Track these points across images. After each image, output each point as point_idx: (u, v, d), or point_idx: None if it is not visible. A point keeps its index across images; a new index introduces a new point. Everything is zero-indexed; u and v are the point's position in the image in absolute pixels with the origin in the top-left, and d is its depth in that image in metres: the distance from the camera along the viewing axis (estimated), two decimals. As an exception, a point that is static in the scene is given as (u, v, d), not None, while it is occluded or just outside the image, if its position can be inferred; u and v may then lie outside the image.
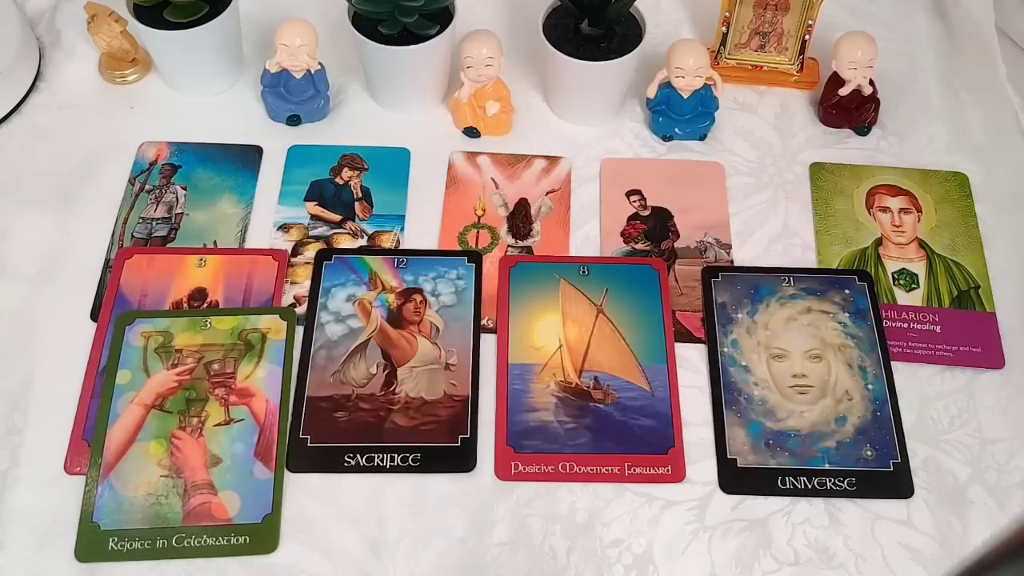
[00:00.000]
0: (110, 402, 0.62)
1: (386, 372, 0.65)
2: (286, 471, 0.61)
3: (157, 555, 0.58)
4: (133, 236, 0.72)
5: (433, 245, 0.72)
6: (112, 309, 0.67)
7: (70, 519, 0.59)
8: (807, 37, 0.79)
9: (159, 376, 0.63)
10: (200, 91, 0.80)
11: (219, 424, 0.62)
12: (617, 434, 0.63)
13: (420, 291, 0.69)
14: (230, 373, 0.64)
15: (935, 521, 0.61)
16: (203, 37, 0.75)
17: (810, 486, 0.61)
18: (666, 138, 0.78)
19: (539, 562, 0.59)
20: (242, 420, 0.62)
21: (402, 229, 0.73)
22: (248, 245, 0.72)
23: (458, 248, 0.72)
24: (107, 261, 0.70)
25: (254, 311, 0.67)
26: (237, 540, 0.58)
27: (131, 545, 0.58)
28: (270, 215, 0.73)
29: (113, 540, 0.58)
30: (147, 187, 0.74)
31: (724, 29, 0.80)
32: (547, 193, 0.75)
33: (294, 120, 0.78)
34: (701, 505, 0.61)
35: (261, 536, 0.58)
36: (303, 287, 0.69)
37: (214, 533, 0.58)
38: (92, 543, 0.58)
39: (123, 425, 0.62)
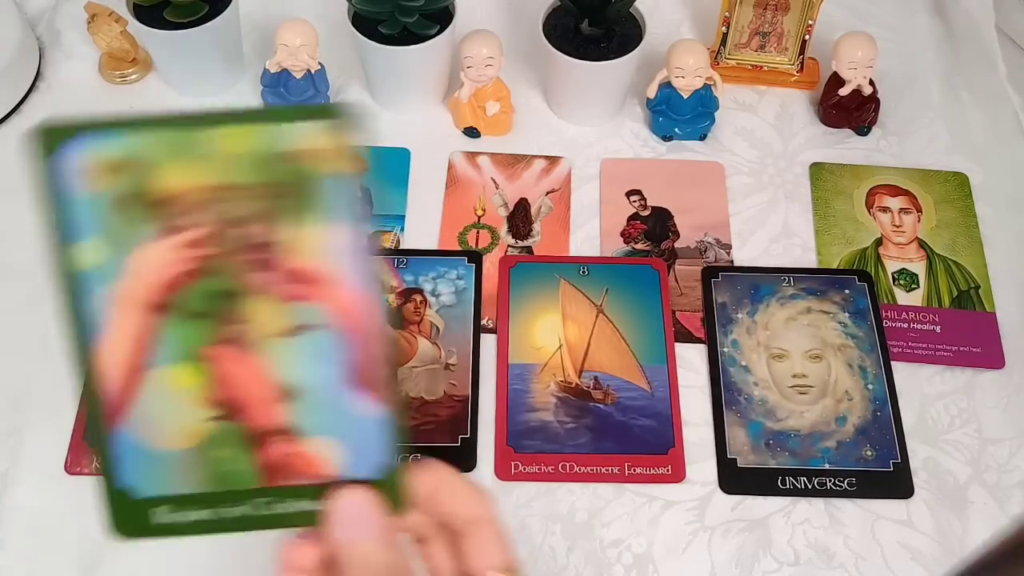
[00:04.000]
0: (78, 301, 0.36)
1: (386, 372, 0.65)
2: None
3: (228, 527, 0.38)
4: (133, 236, 0.71)
5: (433, 245, 0.72)
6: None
7: (70, 519, 0.59)
8: (807, 37, 0.79)
9: (153, 249, 0.36)
10: (200, 91, 0.80)
11: (278, 334, 0.37)
12: (617, 434, 0.63)
13: (420, 291, 0.69)
14: (278, 240, 0.36)
15: (935, 521, 0.61)
16: (203, 37, 0.75)
17: (810, 486, 0.61)
18: (666, 138, 0.78)
19: (539, 562, 0.59)
20: (318, 325, 0.37)
21: (402, 229, 0.73)
22: (248, 245, 0.72)
23: (458, 248, 0.72)
24: (107, 261, 0.70)
25: (283, 113, 0.37)
26: None
27: (190, 516, 0.38)
28: (270, 215, 0.73)
29: (160, 510, 0.38)
30: (147, 187, 0.74)
31: (724, 29, 0.80)
32: (547, 193, 0.75)
33: (294, 120, 0.78)
34: (701, 505, 0.61)
35: (383, 495, 0.37)
36: (303, 287, 0.69)
37: (311, 495, 0.38)
38: (128, 517, 0.38)
39: (118, 340, 0.36)
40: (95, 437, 0.38)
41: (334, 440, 0.38)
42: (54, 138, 0.36)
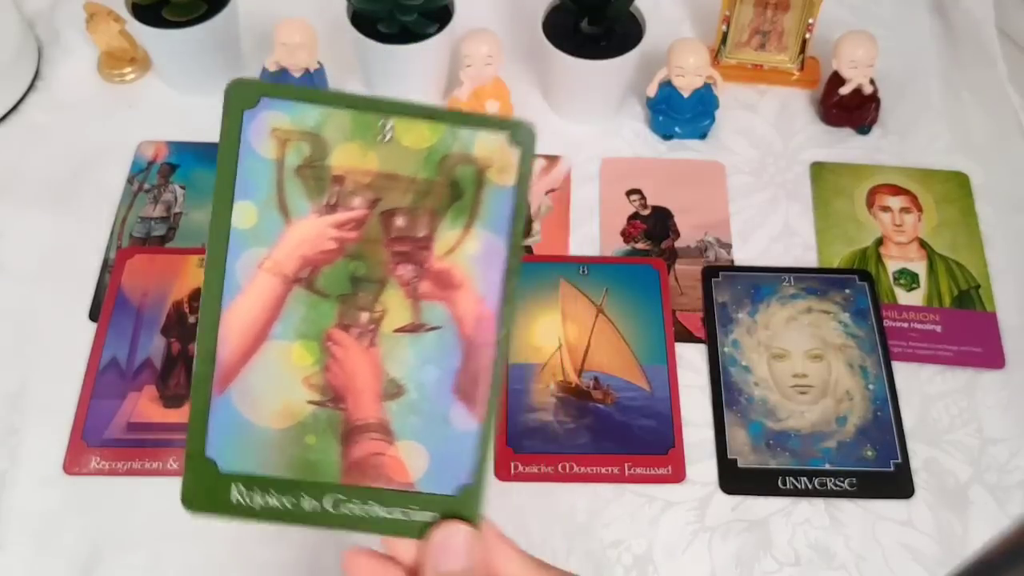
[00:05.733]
0: (222, 256, 0.36)
1: (386, 372, 0.65)
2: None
3: (302, 519, 0.37)
4: (131, 236, 0.72)
5: (433, 245, 0.72)
6: (113, 309, 0.67)
7: (70, 519, 0.59)
8: (808, 36, 0.79)
9: (306, 223, 0.36)
10: (199, 90, 0.80)
11: (403, 329, 0.38)
12: (617, 434, 0.63)
13: (420, 291, 0.68)
14: (423, 237, 0.37)
15: (936, 521, 0.61)
16: (202, 36, 0.75)
17: (810, 486, 0.61)
18: (666, 137, 0.78)
19: (539, 562, 0.59)
20: (438, 328, 0.37)
21: (402, 228, 0.73)
22: (247, 245, 0.72)
23: (458, 248, 0.72)
24: (106, 261, 0.70)
25: (467, 118, 0.38)
26: (419, 516, 0.38)
27: (265, 500, 0.37)
28: (269, 214, 0.73)
29: (238, 488, 0.37)
30: (145, 186, 0.74)
31: (724, 28, 0.80)
32: (547, 192, 0.75)
33: (293, 119, 0.77)
34: (701, 505, 0.61)
35: (454, 515, 0.38)
36: (303, 286, 0.68)
37: (386, 501, 0.37)
38: (207, 488, 0.37)
39: (248, 304, 0.37)
40: (196, 400, 0.37)
41: (423, 447, 0.38)
42: (247, 95, 0.37)
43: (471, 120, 0.37)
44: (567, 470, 0.62)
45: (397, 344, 0.37)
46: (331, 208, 0.36)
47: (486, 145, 0.37)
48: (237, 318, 0.36)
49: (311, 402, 0.37)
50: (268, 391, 0.37)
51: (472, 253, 0.37)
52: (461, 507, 0.38)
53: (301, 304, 0.37)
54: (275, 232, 0.36)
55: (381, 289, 0.37)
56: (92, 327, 0.67)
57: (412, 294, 0.37)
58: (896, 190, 0.76)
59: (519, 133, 0.38)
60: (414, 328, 0.38)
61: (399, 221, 0.37)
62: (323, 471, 0.37)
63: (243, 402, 0.37)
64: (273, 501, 0.37)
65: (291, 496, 0.37)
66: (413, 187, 0.37)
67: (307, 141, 0.36)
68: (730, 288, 0.70)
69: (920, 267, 0.72)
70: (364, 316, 0.37)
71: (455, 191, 0.37)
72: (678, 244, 0.72)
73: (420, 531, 0.37)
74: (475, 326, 0.37)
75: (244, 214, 0.36)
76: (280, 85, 0.38)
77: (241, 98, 0.37)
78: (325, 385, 0.37)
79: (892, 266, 0.72)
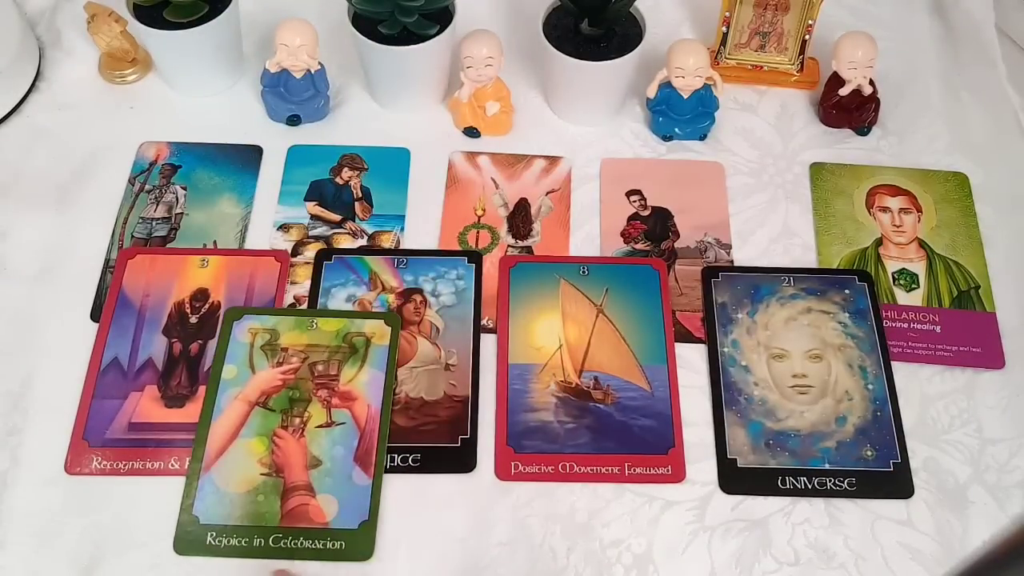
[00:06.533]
0: (215, 396, 0.62)
1: (386, 372, 0.66)
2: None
3: (254, 553, 0.58)
4: (133, 236, 0.72)
5: (433, 245, 0.72)
6: (114, 309, 0.67)
7: (70, 519, 0.59)
8: (807, 37, 0.79)
9: (264, 373, 0.64)
10: (200, 91, 0.80)
11: (321, 426, 0.62)
12: (617, 434, 0.63)
13: (420, 291, 0.69)
14: (334, 375, 0.63)
15: (935, 521, 0.61)
16: (203, 37, 0.75)
17: (810, 486, 0.61)
18: (666, 138, 0.78)
19: (539, 562, 0.59)
20: (343, 424, 0.62)
21: (402, 229, 0.73)
22: (248, 245, 0.72)
23: (458, 248, 0.72)
24: (107, 261, 0.70)
25: (360, 315, 0.67)
26: (333, 545, 0.58)
27: (229, 541, 0.58)
28: (270, 215, 0.73)
29: (212, 535, 0.58)
30: (147, 187, 0.74)
31: (724, 29, 0.80)
32: (547, 193, 0.75)
33: (294, 120, 0.78)
34: (701, 505, 0.61)
35: (357, 542, 0.58)
36: (303, 287, 0.69)
37: (310, 536, 0.58)
38: (191, 536, 0.58)
39: (227, 420, 0.62)
40: (190, 478, 0.60)
41: (335, 498, 0.59)
42: (236, 314, 0.66)
43: (362, 315, 0.66)
44: (567, 470, 0.62)
45: (317, 435, 0.61)
46: (280, 364, 0.64)
47: (371, 326, 0.66)
48: (219, 428, 0.62)
49: (262, 474, 0.60)
50: (236, 469, 0.60)
51: (364, 380, 0.63)
52: (361, 536, 0.58)
53: (258, 417, 0.62)
54: (246, 379, 0.63)
55: (307, 404, 0.62)
56: (93, 327, 0.67)
57: (327, 405, 0.62)
58: (895, 191, 0.76)
59: (390, 320, 0.66)
60: (328, 425, 0.62)
61: (319, 367, 0.64)
62: (268, 519, 0.58)
63: (219, 477, 0.60)
64: (235, 541, 0.58)
65: (247, 537, 0.58)
66: (328, 350, 0.64)
67: (268, 332, 0.65)
68: (730, 288, 0.70)
69: (919, 267, 0.72)
70: (297, 420, 0.62)
71: (353, 350, 0.64)
72: (678, 245, 0.73)
73: (333, 556, 0.57)
74: (366, 421, 0.62)
75: (229, 372, 0.64)
76: (254, 308, 0.67)
77: (232, 316, 0.66)
78: (271, 463, 0.60)
79: (891, 266, 0.72)
